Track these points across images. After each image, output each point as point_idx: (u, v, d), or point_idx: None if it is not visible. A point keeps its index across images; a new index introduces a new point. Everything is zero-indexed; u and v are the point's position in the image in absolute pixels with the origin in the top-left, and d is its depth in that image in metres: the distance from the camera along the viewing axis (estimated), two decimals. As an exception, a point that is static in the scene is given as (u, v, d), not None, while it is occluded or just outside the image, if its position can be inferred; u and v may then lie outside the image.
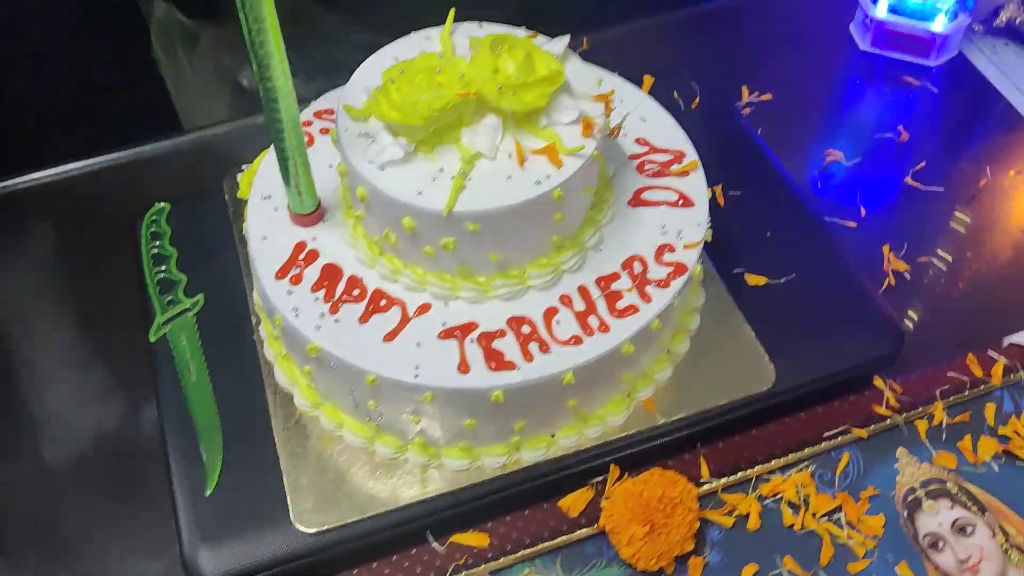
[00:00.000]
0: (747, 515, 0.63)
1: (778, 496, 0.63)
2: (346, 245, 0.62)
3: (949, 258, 0.78)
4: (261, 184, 0.66)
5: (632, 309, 0.59)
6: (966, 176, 0.84)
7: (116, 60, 1.07)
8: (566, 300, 0.60)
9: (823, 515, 0.63)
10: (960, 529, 0.62)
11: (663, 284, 0.60)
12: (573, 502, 0.62)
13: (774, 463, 0.65)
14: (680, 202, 0.64)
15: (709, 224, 0.64)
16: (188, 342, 0.68)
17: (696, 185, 0.66)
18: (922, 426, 0.66)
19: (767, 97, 0.90)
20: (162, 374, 0.67)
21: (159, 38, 1.09)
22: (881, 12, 0.92)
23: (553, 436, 0.62)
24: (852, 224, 0.80)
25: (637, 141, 0.68)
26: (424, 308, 0.59)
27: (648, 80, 0.85)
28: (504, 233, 0.57)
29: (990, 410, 0.67)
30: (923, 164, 0.85)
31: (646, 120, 0.69)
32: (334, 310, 0.59)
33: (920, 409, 0.67)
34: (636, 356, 0.60)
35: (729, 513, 0.63)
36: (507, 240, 0.58)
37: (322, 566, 0.60)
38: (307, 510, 0.60)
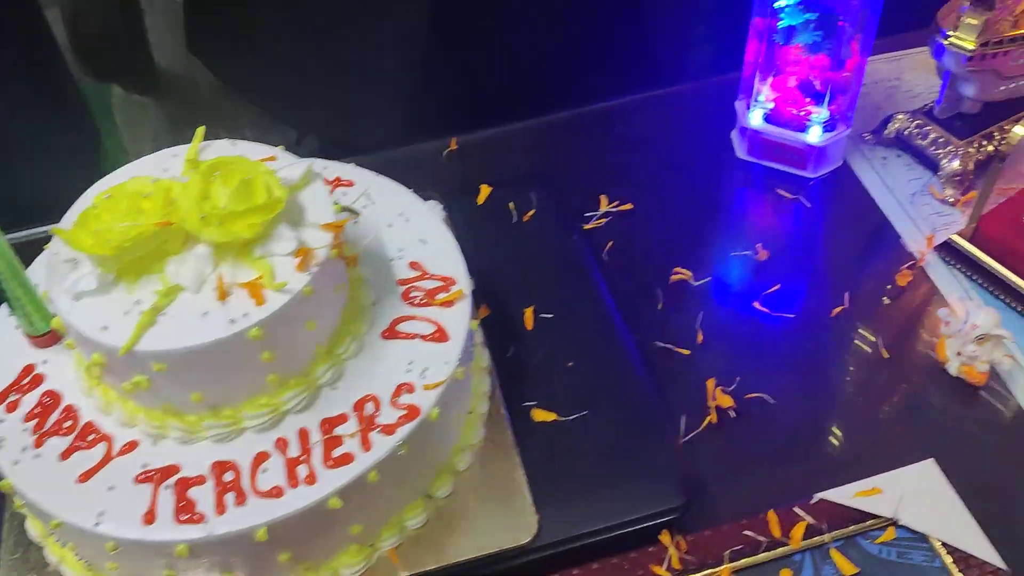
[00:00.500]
0: None
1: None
2: (73, 372, 0.59)
3: (781, 396, 0.71)
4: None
5: (347, 458, 0.54)
6: (821, 302, 0.78)
7: None
8: (281, 444, 0.55)
9: None
10: None
11: (388, 431, 0.55)
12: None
13: (531, 626, 0.59)
14: (435, 336, 0.60)
15: (459, 362, 0.59)
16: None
17: (458, 317, 0.61)
18: (704, 592, 0.60)
19: (627, 207, 0.85)
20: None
21: None
22: (756, 121, 0.87)
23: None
24: (685, 352, 0.74)
25: (411, 265, 0.64)
26: (131, 446, 0.56)
27: (485, 189, 0.81)
28: (200, 373, 0.53)
29: (785, 576, 0.60)
30: (777, 287, 0.79)
31: (427, 242, 0.65)
32: (39, 444, 0.56)
33: (706, 572, 0.61)
34: (351, 509, 0.55)
35: None
36: (208, 380, 0.54)
37: None
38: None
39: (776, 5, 0.78)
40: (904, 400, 0.71)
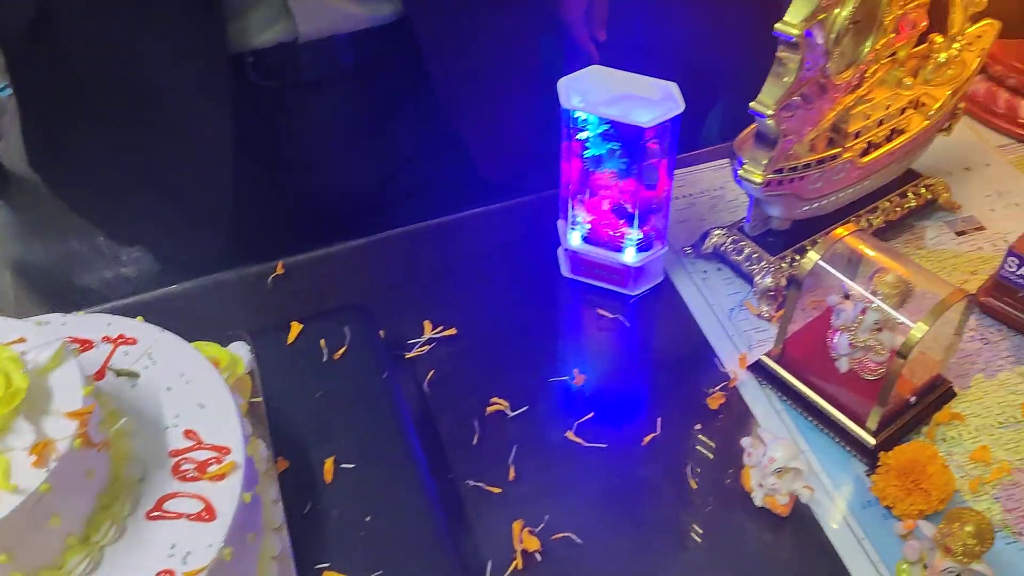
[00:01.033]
0: None
1: None
2: None
3: (588, 534, 0.70)
4: None
5: (94, 661, 0.52)
6: (634, 429, 0.77)
7: None
8: (27, 647, 0.52)
9: None
10: None
11: (142, 626, 0.53)
12: None
13: None
14: (202, 515, 0.58)
15: (226, 542, 0.57)
16: None
17: (228, 492, 0.59)
18: None
19: (451, 332, 0.85)
20: None
21: None
22: (575, 241, 0.87)
23: None
24: (496, 490, 0.73)
25: (186, 434, 0.61)
26: None
27: (296, 327, 0.80)
28: (-75, 584, 0.50)
29: None
30: (591, 415, 0.78)
31: (205, 407, 0.63)
32: None
33: None
34: None
35: None
36: (-62, 589, 0.51)
37: None
38: None
39: (579, 137, 0.79)
40: (715, 533, 0.71)
